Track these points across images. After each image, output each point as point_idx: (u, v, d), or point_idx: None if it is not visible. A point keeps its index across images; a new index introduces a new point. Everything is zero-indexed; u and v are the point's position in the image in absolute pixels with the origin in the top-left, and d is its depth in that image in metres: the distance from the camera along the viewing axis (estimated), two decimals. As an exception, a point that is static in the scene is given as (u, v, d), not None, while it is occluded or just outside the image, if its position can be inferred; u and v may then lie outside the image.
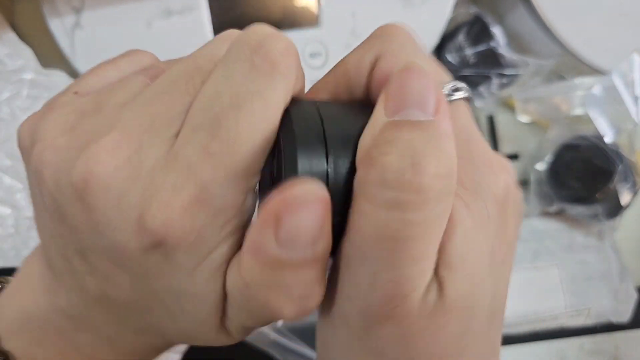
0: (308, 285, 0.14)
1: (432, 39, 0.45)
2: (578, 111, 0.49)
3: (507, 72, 0.47)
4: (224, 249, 0.15)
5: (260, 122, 0.14)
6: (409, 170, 0.12)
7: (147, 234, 0.14)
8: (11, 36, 0.43)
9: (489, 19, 0.48)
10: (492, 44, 0.48)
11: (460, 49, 0.48)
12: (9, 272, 0.23)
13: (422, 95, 0.13)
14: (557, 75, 0.51)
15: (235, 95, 0.14)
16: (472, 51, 0.48)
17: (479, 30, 0.48)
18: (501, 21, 0.50)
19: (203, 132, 0.14)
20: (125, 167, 0.14)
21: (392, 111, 0.13)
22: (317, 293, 0.14)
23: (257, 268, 0.14)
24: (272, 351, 0.43)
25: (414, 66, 0.14)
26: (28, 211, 0.40)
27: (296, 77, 0.15)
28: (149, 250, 0.14)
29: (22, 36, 0.44)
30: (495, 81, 0.48)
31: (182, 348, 0.36)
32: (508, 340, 0.48)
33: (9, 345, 0.18)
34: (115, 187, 0.14)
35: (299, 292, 0.14)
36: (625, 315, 0.49)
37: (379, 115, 0.13)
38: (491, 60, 0.48)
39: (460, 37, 0.48)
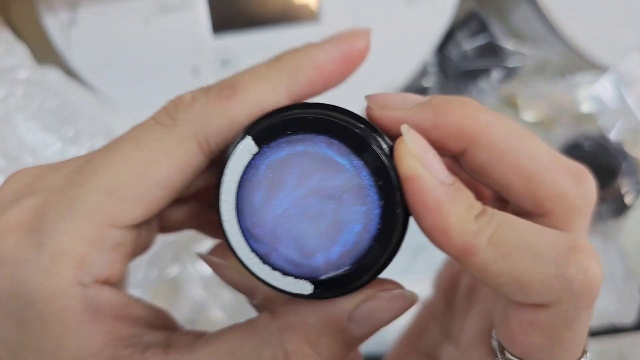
0: None
1: (434, 37, 0.44)
2: (582, 109, 0.49)
3: (508, 64, 0.47)
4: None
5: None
6: None
7: None
8: (6, 33, 0.43)
9: (485, 14, 0.48)
10: (491, 37, 0.47)
11: (459, 45, 0.47)
12: None
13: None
14: (561, 73, 0.50)
15: None
16: (471, 46, 0.47)
17: (476, 26, 0.48)
18: (505, 19, 0.50)
19: None
20: None
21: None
22: None
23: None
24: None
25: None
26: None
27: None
28: None
29: (17, 33, 0.44)
30: (496, 74, 0.47)
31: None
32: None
33: None
34: None
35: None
36: (629, 317, 0.48)
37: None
38: (491, 54, 0.47)
39: (459, 34, 0.48)
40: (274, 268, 0.15)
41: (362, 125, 0.14)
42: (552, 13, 0.44)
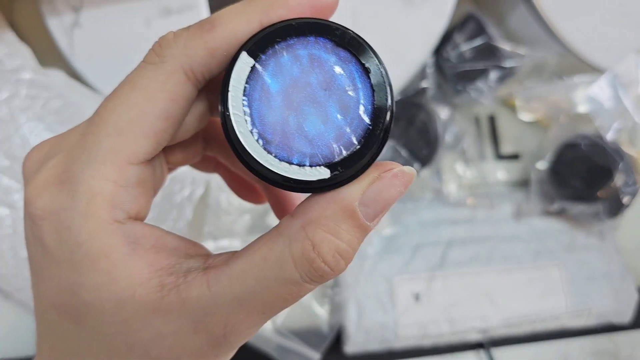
0: (354, 247, 0.17)
1: (432, 39, 0.45)
2: (579, 110, 0.49)
3: (505, 65, 0.47)
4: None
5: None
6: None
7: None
8: (9, 35, 0.43)
9: (483, 17, 0.48)
10: (488, 38, 0.48)
11: (456, 47, 0.48)
12: None
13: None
14: (558, 75, 0.51)
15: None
16: (469, 47, 0.48)
17: (474, 28, 0.48)
18: (502, 21, 0.50)
19: None
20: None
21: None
22: (350, 258, 0.17)
23: (331, 212, 0.16)
24: (272, 352, 0.43)
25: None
26: (26, 211, 0.39)
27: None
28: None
29: (20, 35, 0.44)
30: (493, 75, 0.48)
31: None
32: (509, 340, 0.48)
33: None
34: None
35: (344, 250, 0.17)
36: (626, 315, 0.49)
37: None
38: (488, 54, 0.48)
39: (456, 35, 0.48)
40: (292, 163, 0.16)
41: (334, 23, 0.16)
42: (549, 15, 0.44)
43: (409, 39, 0.44)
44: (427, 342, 0.46)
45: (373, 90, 0.16)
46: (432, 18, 0.44)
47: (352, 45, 0.16)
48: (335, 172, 0.16)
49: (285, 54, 0.16)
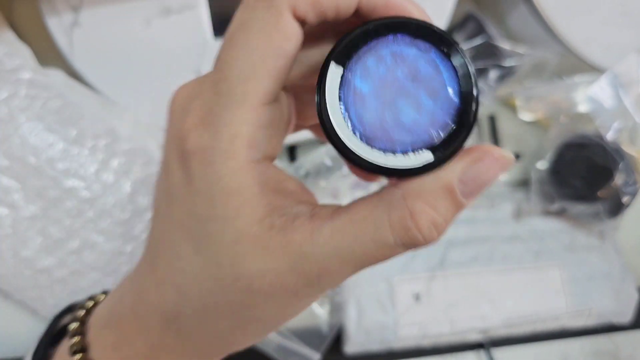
0: (448, 221, 0.18)
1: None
2: (579, 109, 0.49)
3: (505, 64, 0.47)
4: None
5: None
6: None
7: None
8: (9, 35, 0.43)
9: (482, 16, 0.48)
10: (487, 38, 0.48)
11: None
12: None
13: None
14: (558, 74, 0.51)
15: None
16: (468, 46, 0.48)
17: (473, 27, 0.48)
18: (502, 21, 0.50)
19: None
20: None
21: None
22: (444, 230, 0.18)
23: (435, 190, 0.17)
24: (272, 352, 0.43)
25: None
26: (25, 211, 0.39)
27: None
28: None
29: (20, 35, 0.44)
30: (493, 74, 0.48)
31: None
32: (509, 340, 0.48)
33: (96, 344, 0.22)
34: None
35: (440, 223, 0.18)
36: (626, 316, 0.49)
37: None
38: (487, 53, 0.48)
39: (456, 35, 0.48)
40: (396, 153, 0.17)
41: (409, 19, 0.18)
42: (550, 15, 0.44)
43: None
44: (427, 342, 0.46)
45: (456, 72, 0.17)
46: (432, 17, 0.44)
47: (428, 34, 0.17)
48: (438, 154, 0.17)
49: (369, 56, 0.18)
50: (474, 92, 0.17)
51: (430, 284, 0.46)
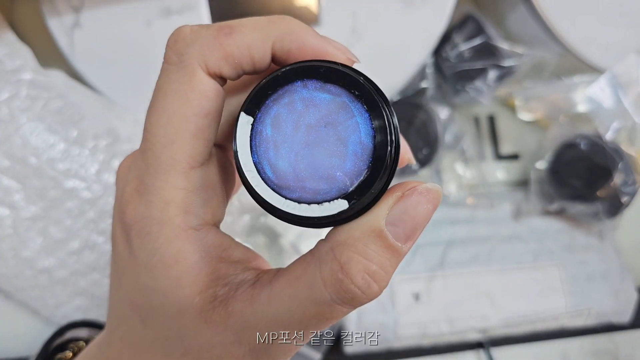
0: (386, 270, 0.17)
1: (432, 39, 0.45)
2: (578, 109, 0.49)
3: (503, 63, 0.47)
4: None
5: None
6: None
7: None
8: (10, 36, 0.43)
9: (482, 17, 0.49)
10: (487, 38, 0.48)
11: (455, 46, 0.48)
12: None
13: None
14: (557, 75, 0.51)
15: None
16: (467, 47, 0.48)
17: (473, 28, 0.48)
18: (502, 21, 0.50)
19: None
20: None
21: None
22: (384, 281, 0.17)
23: (364, 236, 0.16)
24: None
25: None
26: (26, 212, 0.39)
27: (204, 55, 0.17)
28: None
29: (21, 36, 0.44)
30: (492, 74, 0.48)
31: None
32: (508, 340, 0.48)
33: None
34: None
35: (375, 271, 0.16)
36: (625, 315, 0.49)
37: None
38: (487, 53, 0.48)
39: (455, 35, 0.48)
40: (310, 203, 0.17)
41: (320, 62, 0.17)
42: (549, 15, 0.44)
43: (409, 39, 0.45)
44: (426, 342, 0.46)
45: (369, 113, 0.17)
46: (431, 18, 0.44)
47: (338, 78, 0.17)
48: (353, 201, 0.16)
49: (278, 104, 0.17)
50: (389, 133, 0.16)
51: (430, 283, 0.46)
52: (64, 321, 0.40)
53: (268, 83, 0.17)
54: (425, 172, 0.48)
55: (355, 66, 0.18)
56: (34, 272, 0.40)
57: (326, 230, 0.18)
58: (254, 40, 0.17)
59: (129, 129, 0.42)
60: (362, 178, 0.17)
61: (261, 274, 0.19)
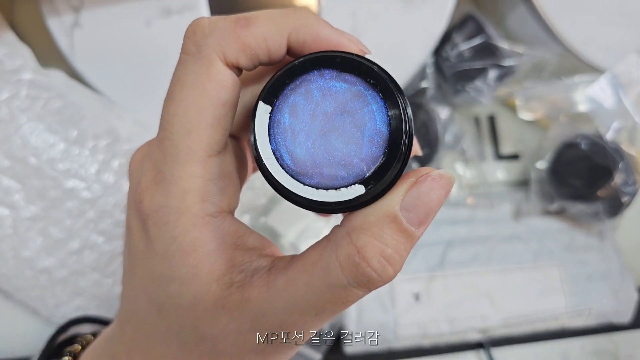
0: (401, 253, 0.17)
1: (432, 39, 0.45)
2: (578, 109, 0.49)
3: (503, 63, 0.47)
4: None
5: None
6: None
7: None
8: (10, 36, 0.43)
9: (482, 17, 0.49)
10: (487, 38, 0.48)
11: (455, 46, 0.48)
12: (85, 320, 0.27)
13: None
14: (558, 75, 0.51)
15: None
16: (468, 46, 0.48)
17: (473, 28, 0.48)
18: (502, 21, 0.50)
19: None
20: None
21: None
22: (398, 264, 0.17)
23: (382, 221, 0.17)
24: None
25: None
26: (26, 212, 0.39)
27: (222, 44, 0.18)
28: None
29: (21, 35, 0.44)
30: (492, 74, 0.48)
31: None
32: (508, 340, 0.48)
33: None
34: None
35: (390, 255, 0.17)
36: (626, 315, 0.49)
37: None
38: (487, 53, 0.48)
39: (455, 35, 0.48)
40: (327, 188, 0.17)
41: (335, 52, 0.18)
42: (549, 15, 0.44)
43: (409, 39, 0.45)
44: (427, 342, 0.46)
45: (385, 101, 0.17)
46: (431, 18, 0.44)
47: (353, 67, 0.17)
48: (369, 187, 0.17)
49: (296, 93, 0.18)
50: (403, 121, 0.17)
51: (430, 283, 0.46)
52: (63, 321, 0.40)
53: (285, 73, 0.17)
54: (425, 172, 0.48)
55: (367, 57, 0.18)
56: (34, 272, 0.40)
57: (333, 220, 0.18)
58: (270, 31, 0.18)
59: (129, 129, 0.42)
60: (378, 164, 0.17)
61: (276, 260, 0.19)
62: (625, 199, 0.46)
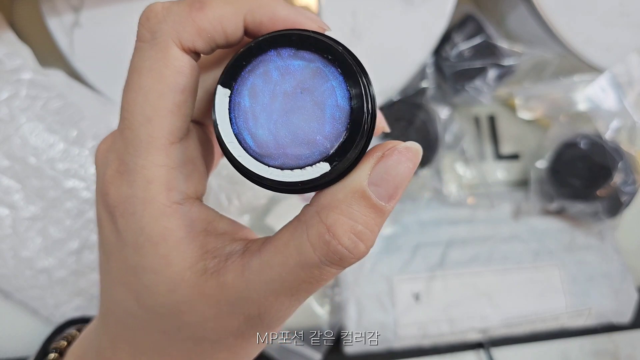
0: (372, 229, 0.17)
1: (432, 39, 0.45)
2: (578, 109, 0.49)
3: (503, 62, 0.47)
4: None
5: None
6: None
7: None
8: (10, 35, 0.43)
9: (482, 16, 0.49)
10: (486, 37, 0.48)
11: (455, 46, 0.48)
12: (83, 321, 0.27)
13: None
14: (557, 74, 0.51)
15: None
16: (468, 46, 0.48)
17: (473, 28, 0.48)
18: (502, 21, 0.50)
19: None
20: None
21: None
22: (369, 240, 0.17)
23: (348, 197, 0.17)
24: (273, 352, 0.43)
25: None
26: (26, 212, 0.39)
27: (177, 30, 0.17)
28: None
29: (21, 35, 0.44)
30: (492, 73, 0.48)
31: None
32: (508, 340, 0.48)
33: None
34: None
35: (361, 231, 0.17)
36: (626, 315, 0.49)
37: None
38: (486, 52, 0.48)
39: (455, 35, 0.48)
40: (293, 168, 0.17)
41: (291, 30, 0.17)
42: (549, 15, 0.44)
43: (409, 39, 0.45)
44: (427, 342, 0.46)
45: (343, 76, 0.17)
46: (432, 18, 0.44)
47: (310, 44, 0.17)
48: (334, 164, 0.17)
49: (254, 74, 0.17)
50: (364, 96, 0.17)
51: (430, 283, 0.46)
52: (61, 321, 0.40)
53: (242, 55, 0.17)
54: (425, 172, 0.48)
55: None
56: (33, 272, 0.40)
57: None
58: (225, 14, 0.18)
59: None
60: (341, 140, 0.17)
61: (249, 243, 0.19)
62: (624, 198, 0.46)
